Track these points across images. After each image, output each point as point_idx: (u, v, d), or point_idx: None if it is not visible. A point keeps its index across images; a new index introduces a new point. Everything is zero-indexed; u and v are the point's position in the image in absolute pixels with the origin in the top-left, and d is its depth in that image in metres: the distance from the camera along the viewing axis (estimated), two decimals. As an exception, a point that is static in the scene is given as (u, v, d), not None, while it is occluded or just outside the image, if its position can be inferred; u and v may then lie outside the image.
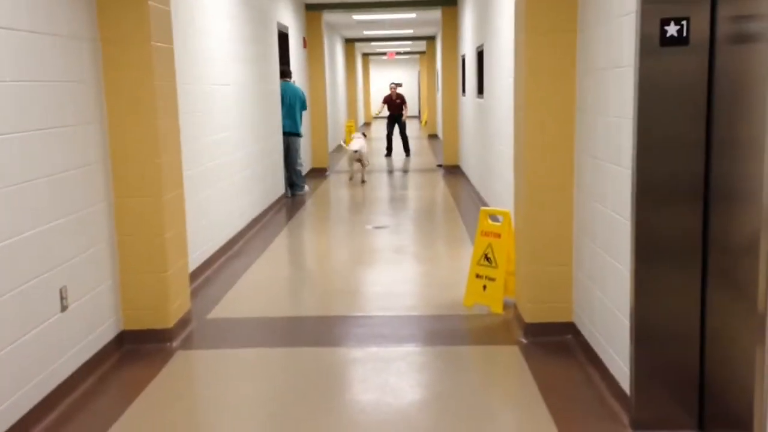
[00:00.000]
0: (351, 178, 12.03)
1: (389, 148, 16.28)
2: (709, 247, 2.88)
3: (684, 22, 2.81)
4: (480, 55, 9.19)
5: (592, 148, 3.71)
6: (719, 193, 2.82)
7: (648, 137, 2.90)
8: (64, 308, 3.46)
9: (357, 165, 11.90)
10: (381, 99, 17.74)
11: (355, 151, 11.62)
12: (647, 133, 2.90)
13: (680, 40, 2.83)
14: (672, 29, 2.82)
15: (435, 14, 14.66)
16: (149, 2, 3.96)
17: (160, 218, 4.12)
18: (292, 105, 9.95)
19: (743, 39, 2.62)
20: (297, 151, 10.21)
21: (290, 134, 9.99)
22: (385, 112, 16.79)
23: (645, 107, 2.89)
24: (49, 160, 3.36)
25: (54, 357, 3.39)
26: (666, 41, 2.84)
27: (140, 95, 4.00)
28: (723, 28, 2.75)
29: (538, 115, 4.08)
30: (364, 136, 13.71)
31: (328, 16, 15.09)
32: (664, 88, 2.86)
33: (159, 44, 4.11)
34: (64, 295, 3.46)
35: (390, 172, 13.38)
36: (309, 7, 12.84)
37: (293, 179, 10.26)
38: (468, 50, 10.76)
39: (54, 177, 3.41)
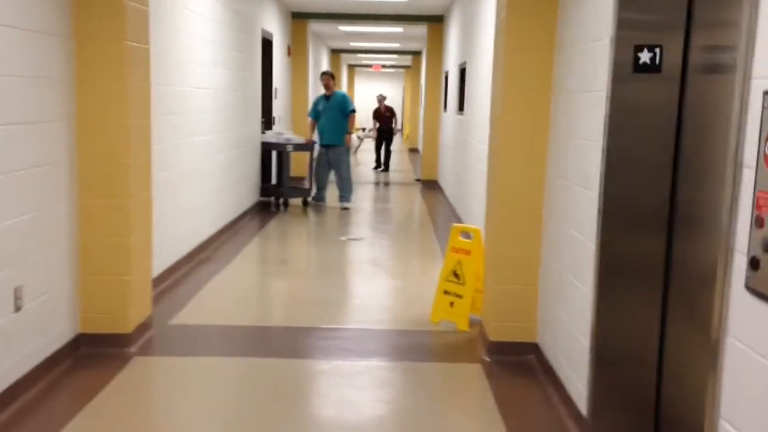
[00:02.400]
0: None
1: (378, 161, 15.97)
2: (672, 273, 2.88)
3: (657, 50, 2.83)
4: (462, 72, 9.22)
5: (562, 170, 3.71)
6: (683, 220, 2.82)
7: (616, 161, 2.90)
8: (18, 308, 3.38)
9: None
10: (369, 113, 17.47)
11: None
12: (615, 157, 2.90)
13: (653, 68, 2.84)
14: (645, 56, 2.83)
15: (421, 30, 14.70)
16: (125, 1, 3.91)
17: (125, 220, 4.05)
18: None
19: (713, 69, 2.63)
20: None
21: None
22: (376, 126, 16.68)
23: (615, 132, 2.89)
24: (8, 157, 3.28)
25: (5, 357, 3.30)
26: (639, 68, 2.85)
27: (112, 94, 3.94)
28: (695, 58, 2.76)
29: (512, 132, 4.07)
30: (359, 138, 16.28)
31: (315, 26, 15.07)
32: (635, 114, 2.87)
33: (134, 44, 4.06)
34: (18, 295, 3.37)
35: (371, 184, 13.35)
36: (295, 15, 12.83)
37: (343, 189, 9.90)
38: (451, 67, 10.80)
39: (14, 174, 3.33)
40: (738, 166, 1.79)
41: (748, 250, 1.74)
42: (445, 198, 10.95)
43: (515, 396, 3.71)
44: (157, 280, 5.26)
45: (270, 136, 9.98)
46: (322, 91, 10.11)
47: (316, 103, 10.10)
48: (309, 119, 10.31)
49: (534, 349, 4.16)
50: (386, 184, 13.50)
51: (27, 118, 3.43)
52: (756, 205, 1.70)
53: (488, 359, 4.20)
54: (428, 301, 5.24)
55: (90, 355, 4.04)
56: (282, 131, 10.28)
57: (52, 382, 3.67)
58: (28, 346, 3.52)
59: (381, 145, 16.10)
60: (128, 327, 4.16)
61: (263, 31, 9.91)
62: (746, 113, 1.76)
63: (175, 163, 5.79)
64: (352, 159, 16.75)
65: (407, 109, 29.00)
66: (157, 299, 5.06)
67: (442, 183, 11.98)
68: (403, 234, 8.48)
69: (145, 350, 4.21)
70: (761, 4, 1.72)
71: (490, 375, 3.98)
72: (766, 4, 1.71)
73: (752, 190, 1.72)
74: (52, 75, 3.67)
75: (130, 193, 4.06)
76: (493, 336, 4.23)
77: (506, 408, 3.54)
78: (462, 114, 9.05)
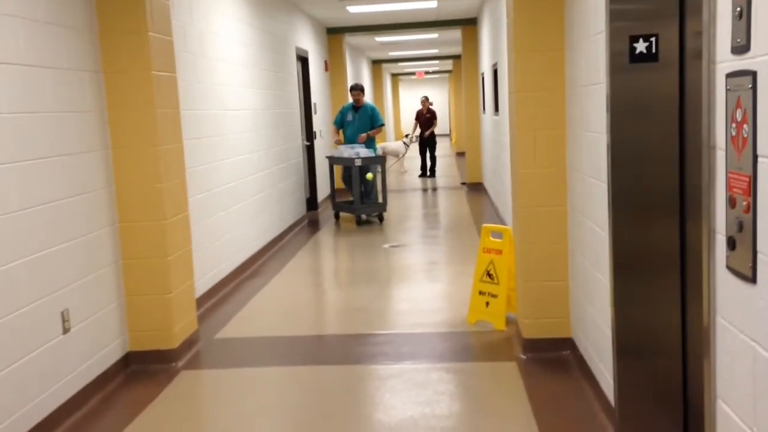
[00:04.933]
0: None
1: (423, 167, 15.77)
2: (687, 260, 2.89)
3: (653, 39, 2.85)
4: (495, 73, 9.25)
5: (578, 164, 3.74)
6: (694, 205, 2.82)
7: (620, 151, 2.92)
8: (66, 330, 3.60)
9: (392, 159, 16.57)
10: (413, 117, 17.30)
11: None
12: (620, 148, 2.92)
13: (650, 57, 2.86)
14: (641, 46, 2.86)
15: (457, 34, 14.76)
16: (149, 33, 4.12)
17: (162, 241, 4.25)
18: None
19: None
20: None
21: None
22: (418, 131, 16.48)
23: (617, 122, 2.92)
24: (50, 188, 3.51)
25: (56, 378, 3.52)
26: (635, 58, 2.87)
27: (142, 123, 4.16)
28: (691, 44, 2.77)
29: (530, 131, 4.12)
30: (405, 145, 16.75)
31: (352, 39, 15.28)
32: (636, 104, 2.89)
33: (160, 73, 4.26)
34: (66, 318, 3.59)
35: (417, 191, 13.44)
36: (330, 31, 13.06)
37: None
38: (486, 68, 10.82)
39: (56, 203, 3.56)
40: (711, 149, 1.83)
41: (726, 230, 1.77)
42: (490, 199, 10.95)
43: (549, 392, 3.74)
44: (204, 297, 5.47)
45: (342, 150, 9.60)
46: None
47: (343, 112, 10.16)
48: (333, 126, 10.43)
49: (569, 344, 4.18)
50: (433, 189, 13.56)
51: (66, 150, 3.66)
52: (728, 186, 1.74)
53: (523, 357, 4.23)
54: (467, 304, 5.29)
55: (139, 372, 4.25)
56: (353, 145, 9.74)
57: (103, 399, 3.88)
58: (79, 365, 3.73)
59: (425, 150, 15.92)
60: (174, 343, 4.35)
61: (298, 49, 10.14)
62: (714, 96, 1.79)
63: (215, 182, 6.01)
64: (398, 166, 16.86)
65: (452, 113, 29.03)
66: (204, 315, 5.27)
67: (486, 185, 11.98)
68: (445, 238, 8.54)
69: (192, 364, 4.40)
70: (719, -11, 1.76)
71: (525, 372, 4.01)
72: (723, -11, 1.75)
73: (725, 172, 1.75)
74: (86, 108, 3.90)
75: (165, 215, 4.27)
76: (528, 333, 4.27)
77: (539, 404, 3.58)
78: (497, 115, 9.07)
